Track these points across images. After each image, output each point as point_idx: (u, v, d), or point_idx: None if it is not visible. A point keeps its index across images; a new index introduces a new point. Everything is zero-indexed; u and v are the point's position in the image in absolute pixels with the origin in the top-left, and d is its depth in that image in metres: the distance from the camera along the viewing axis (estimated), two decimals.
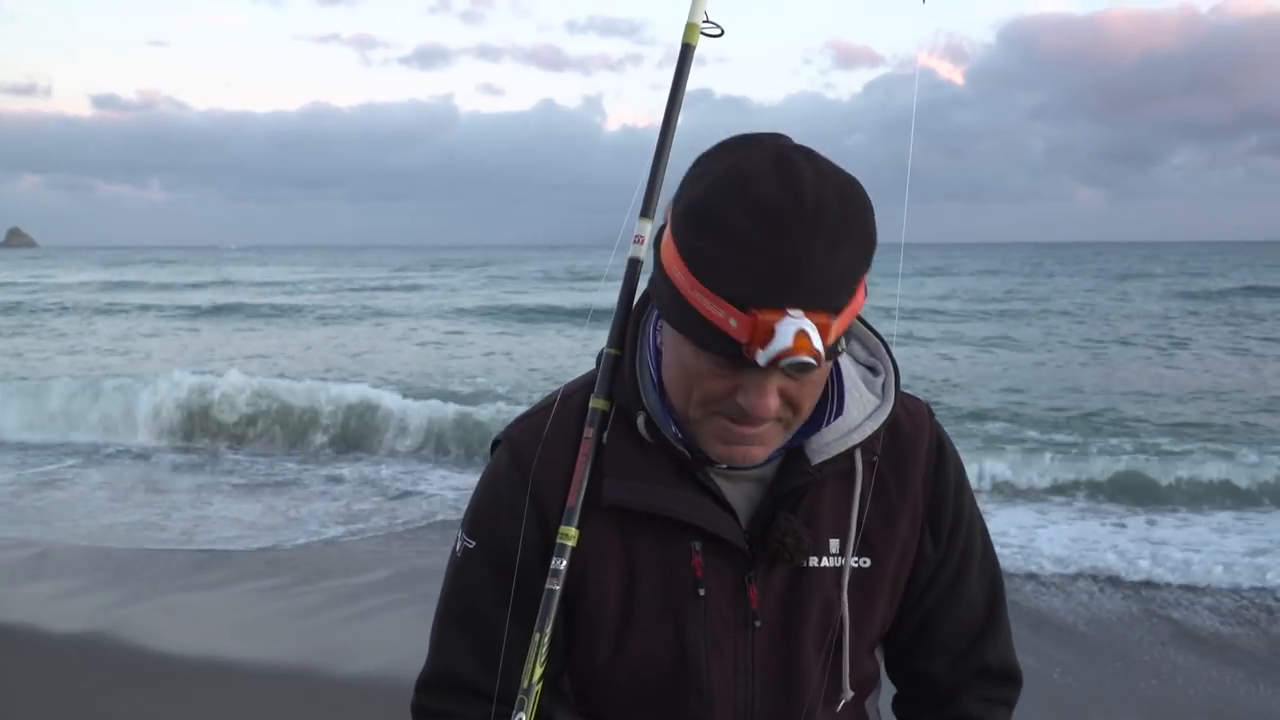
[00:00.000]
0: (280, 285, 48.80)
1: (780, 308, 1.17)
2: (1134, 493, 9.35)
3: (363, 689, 5.18)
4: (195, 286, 46.36)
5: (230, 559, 7.59)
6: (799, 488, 1.40)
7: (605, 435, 1.42)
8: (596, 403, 1.42)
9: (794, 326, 1.17)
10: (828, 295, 1.19)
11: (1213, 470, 9.66)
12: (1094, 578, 6.92)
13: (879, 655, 1.55)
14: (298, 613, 6.47)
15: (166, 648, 5.73)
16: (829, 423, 1.39)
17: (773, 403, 1.27)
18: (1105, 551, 7.42)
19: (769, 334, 1.17)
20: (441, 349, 23.27)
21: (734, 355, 1.22)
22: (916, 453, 1.48)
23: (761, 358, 1.19)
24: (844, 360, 1.44)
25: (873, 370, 1.48)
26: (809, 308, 1.18)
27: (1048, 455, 10.33)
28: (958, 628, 1.52)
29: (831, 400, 1.40)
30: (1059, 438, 11.79)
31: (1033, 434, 12.08)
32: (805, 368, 1.19)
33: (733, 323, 1.20)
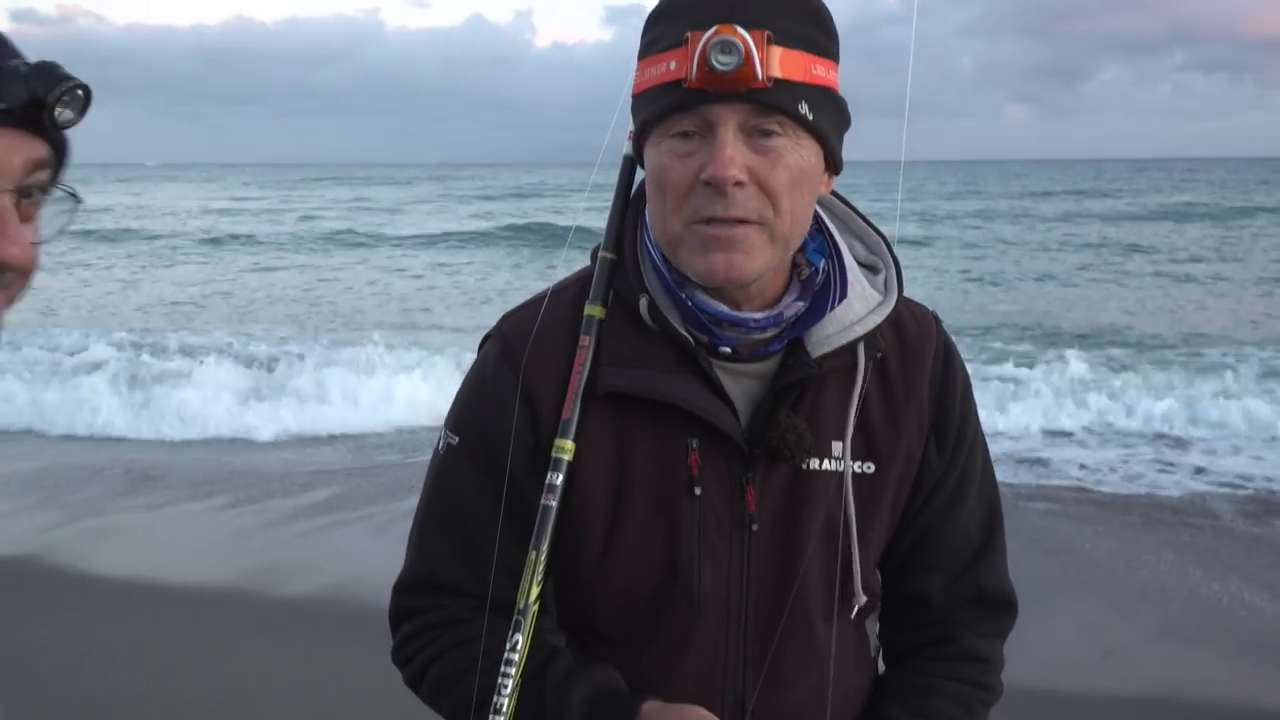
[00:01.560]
0: (223, 213, 42.48)
1: (711, 27, 1.20)
2: None
3: (301, 610, 5.19)
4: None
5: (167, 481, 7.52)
6: (800, 383, 1.34)
7: (604, 326, 1.37)
8: (593, 309, 1.36)
9: (720, 29, 1.20)
10: (760, 21, 1.21)
11: None
12: None
13: (877, 574, 1.50)
14: (237, 533, 6.45)
15: (103, 570, 5.67)
16: (833, 306, 1.34)
17: (732, 161, 1.22)
18: None
19: (700, 46, 1.20)
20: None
21: (680, 95, 1.23)
22: (923, 356, 1.43)
23: (693, 69, 1.21)
24: (845, 253, 1.39)
25: (873, 270, 1.43)
26: (746, 27, 1.20)
27: None
28: (954, 548, 1.47)
29: (835, 284, 1.35)
30: None
31: None
32: (730, 49, 1.18)
33: (672, 65, 1.23)
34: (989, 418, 8.84)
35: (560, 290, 1.43)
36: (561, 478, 1.32)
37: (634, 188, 1.43)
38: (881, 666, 1.57)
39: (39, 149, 1.00)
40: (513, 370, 1.37)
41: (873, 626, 1.52)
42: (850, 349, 1.36)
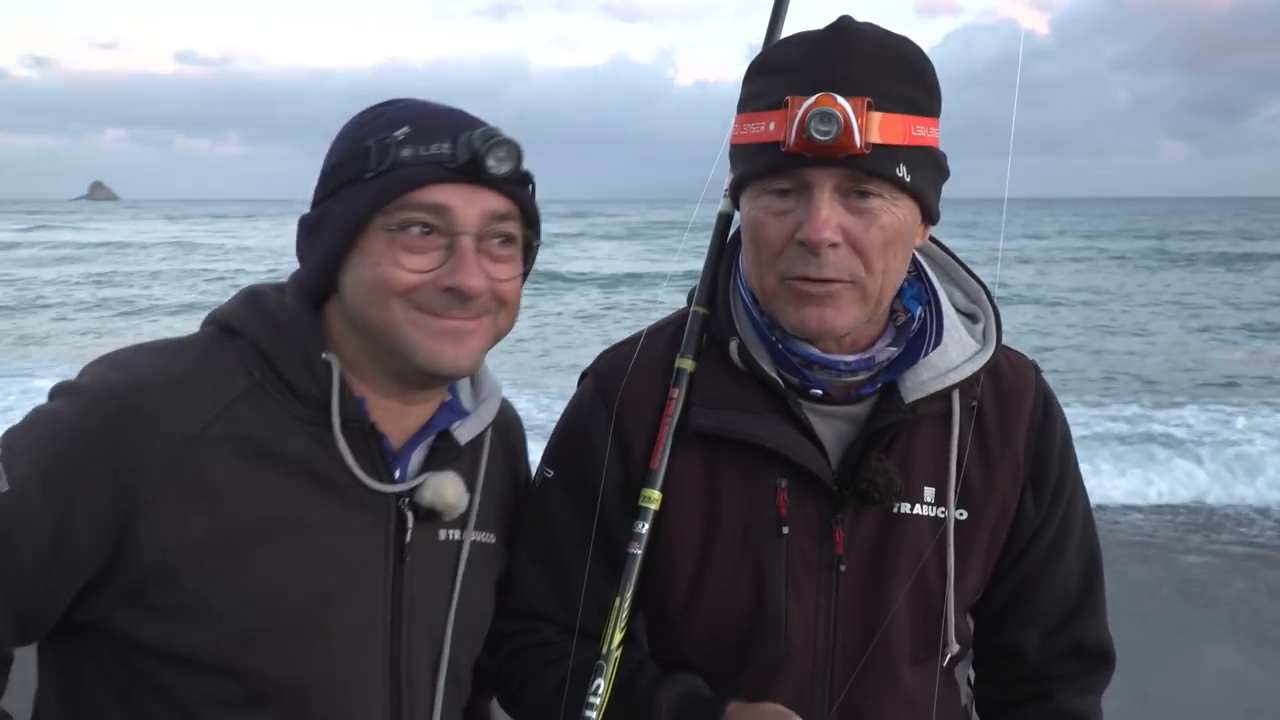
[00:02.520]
0: None
1: (812, 94, 1.21)
2: None
3: None
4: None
5: None
6: (892, 427, 1.34)
7: (696, 368, 1.39)
8: (683, 363, 1.39)
9: (820, 93, 1.21)
10: (863, 89, 1.22)
11: None
12: None
13: (970, 621, 1.48)
14: None
15: None
16: (926, 353, 1.34)
17: (829, 225, 1.23)
18: None
19: (800, 111, 1.20)
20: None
21: (777, 158, 1.24)
22: (1021, 405, 1.42)
23: (791, 134, 1.21)
24: (943, 300, 1.39)
25: (973, 318, 1.43)
26: (846, 94, 1.21)
27: None
28: (1052, 600, 1.45)
29: (930, 331, 1.36)
30: None
31: None
32: (829, 119, 1.18)
33: (771, 126, 1.23)
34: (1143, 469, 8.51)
35: (655, 332, 1.47)
36: (647, 526, 1.35)
37: (729, 234, 1.46)
38: (974, 717, 1.55)
39: (492, 201, 1.25)
40: (607, 409, 1.41)
41: (964, 673, 1.50)
42: (945, 395, 1.37)
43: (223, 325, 1.27)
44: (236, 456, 1.20)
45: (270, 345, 1.24)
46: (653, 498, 1.35)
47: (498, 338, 1.30)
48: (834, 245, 1.25)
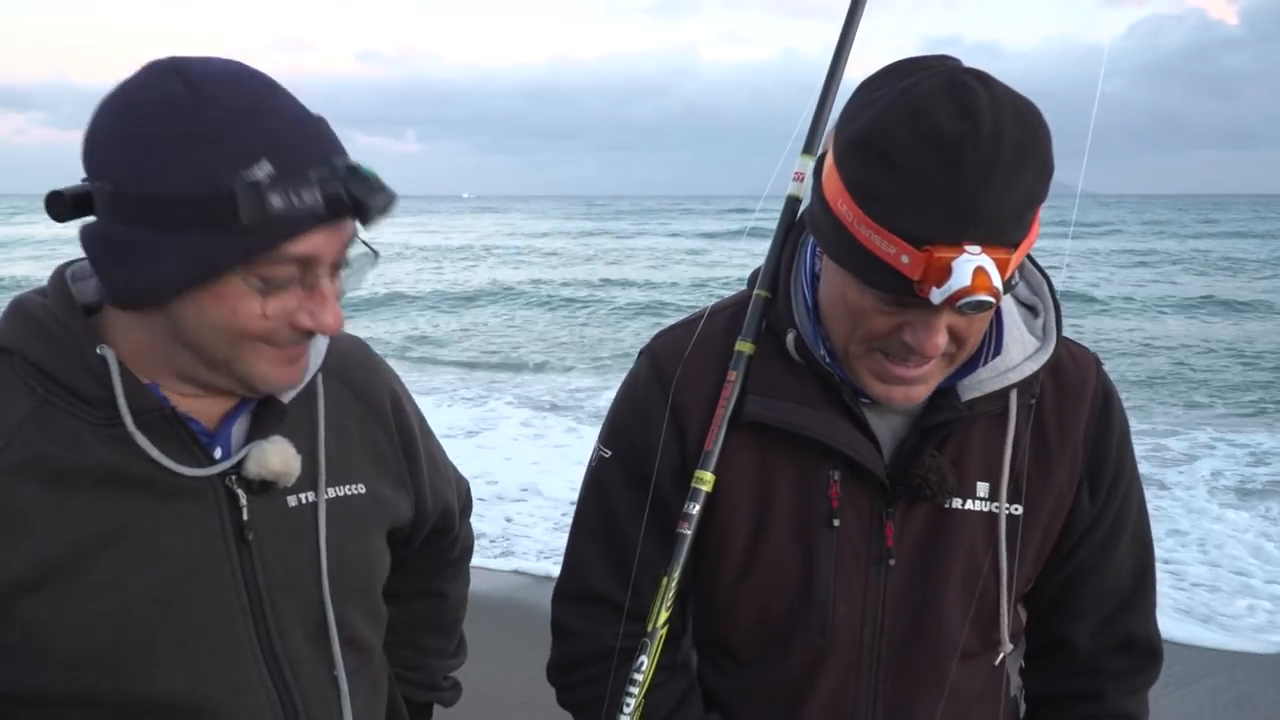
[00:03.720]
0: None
1: (958, 244, 1.12)
2: None
3: None
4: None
5: None
6: (947, 423, 1.34)
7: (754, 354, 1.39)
8: (743, 345, 1.39)
9: (972, 264, 1.11)
10: (1006, 230, 1.14)
11: None
12: None
13: (1022, 612, 1.48)
14: None
15: None
16: (986, 362, 1.33)
17: (942, 341, 1.22)
18: None
19: (945, 271, 1.12)
20: None
21: (904, 293, 1.16)
22: (1081, 399, 1.40)
23: (936, 296, 1.13)
24: (1006, 305, 1.38)
25: (1033, 311, 1.41)
26: (987, 243, 1.12)
27: None
28: (1105, 592, 1.44)
29: (990, 338, 1.34)
30: None
31: None
32: (983, 307, 1.14)
33: (905, 259, 1.14)
34: None
35: (716, 312, 1.47)
36: (699, 508, 1.37)
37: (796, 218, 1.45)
38: (1022, 707, 1.54)
39: (349, 229, 1.17)
40: (663, 389, 1.42)
41: (1014, 664, 1.49)
42: (1002, 395, 1.36)
43: None
44: (36, 483, 1.14)
45: (42, 355, 1.16)
46: (705, 479, 1.36)
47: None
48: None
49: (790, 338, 1.36)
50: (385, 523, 1.41)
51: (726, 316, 1.45)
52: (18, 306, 1.21)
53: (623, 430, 1.47)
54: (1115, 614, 1.45)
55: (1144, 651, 1.47)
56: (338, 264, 1.18)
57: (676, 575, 1.37)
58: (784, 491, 1.38)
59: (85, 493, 1.15)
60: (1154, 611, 1.48)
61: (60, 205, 1.12)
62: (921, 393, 1.29)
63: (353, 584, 1.34)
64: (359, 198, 1.11)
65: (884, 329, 1.23)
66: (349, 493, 1.34)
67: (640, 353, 1.51)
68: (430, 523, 1.54)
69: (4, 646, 1.14)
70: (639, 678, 1.38)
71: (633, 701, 1.38)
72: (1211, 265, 29.67)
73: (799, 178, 1.46)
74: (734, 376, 1.38)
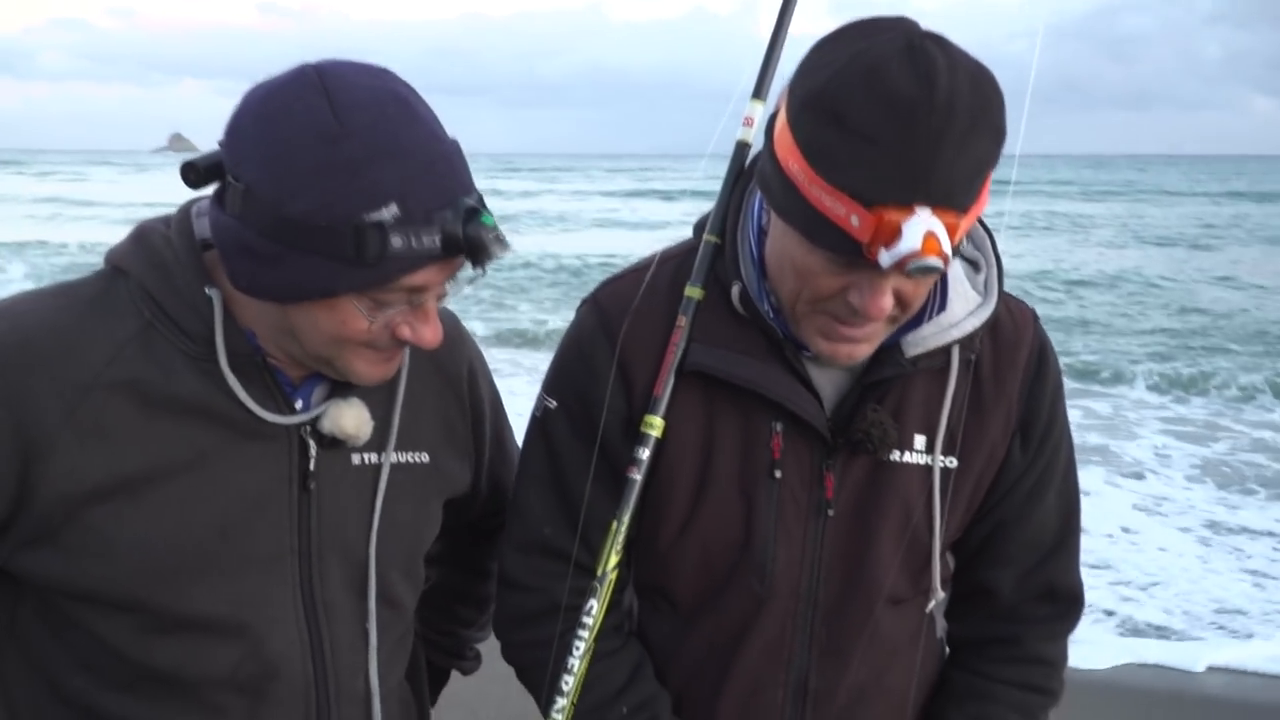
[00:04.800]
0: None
1: (908, 205, 1.12)
2: None
3: None
4: None
5: None
6: (888, 379, 1.36)
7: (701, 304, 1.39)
8: (692, 291, 1.38)
9: (922, 227, 1.11)
10: (957, 194, 1.14)
11: None
12: None
13: (949, 560, 1.52)
14: None
15: None
16: (930, 318, 1.35)
17: (887, 304, 1.22)
18: None
19: (895, 234, 1.12)
20: None
21: (853, 254, 1.16)
22: (1017, 354, 1.43)
23: (885, 259, 1.13)
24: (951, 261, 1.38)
25: (974, 265, 1.42)
26: (938, 206, 1.12)
27: None
28: (1029, 542, 1.48)
29: (935, 294, 1.36)
30: None
31: None
32: (931, 271, 1.15)
33: (855, 220, 1.14)
34: None
35: (664, 260, 1.46)
36: (648, 453, 1.37)
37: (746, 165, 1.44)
38: (946, 650, 1.58)
39: (460, 263, 1.22)
40: (609, 341, 1.41)
41: (940, 610, 1.53)
42: (945, 350, 1.37)
43: (114, 265, 1.28)
44: (130, 401, 1.21)
45: (155, 284, 1.24)
46: (655, 424, 1.37)
47: None
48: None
49: (735, 290, 1.36)
50: (444, 492, 1.48)
51: (674, 265, 1.44)
52: (141, 233, 1.28)
53: (568, 381, 1.46)
54: (1038, 564, 1.49)
55: (1065, 599, 1.52)
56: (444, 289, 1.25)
57: (626, 520, 1.38)
58: (727, 442, 1.39)
59: (172, 419, 1.23)
60: (1077, 561, 1.52)
61: (194, 175, 1.19)
62: (865, 351, 1.31)
63: (398, 547, 1.41)
64: (475, 242, 1.16)
65: (830, 290, 1.24)
66: (413, 460, 1.42)
67: (585, 302, 1.49)
68: (484, 497, 1.59)
69: (69, 546, 1.21)
70: (589, 621, 1.39)
71: (582, 645, 1.39)
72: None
73: (749, 123, 1.45)
74: (683, 322, 1.38)
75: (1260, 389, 10.72)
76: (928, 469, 1.40)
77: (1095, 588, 5.28)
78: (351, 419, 1.30)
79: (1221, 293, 18.26)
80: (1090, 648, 4.65)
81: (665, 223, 28.23)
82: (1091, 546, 5.97)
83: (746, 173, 1.43)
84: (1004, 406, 1.42)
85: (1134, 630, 5.12)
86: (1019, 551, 1.49)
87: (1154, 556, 6.08)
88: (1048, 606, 1.51)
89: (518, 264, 19.90)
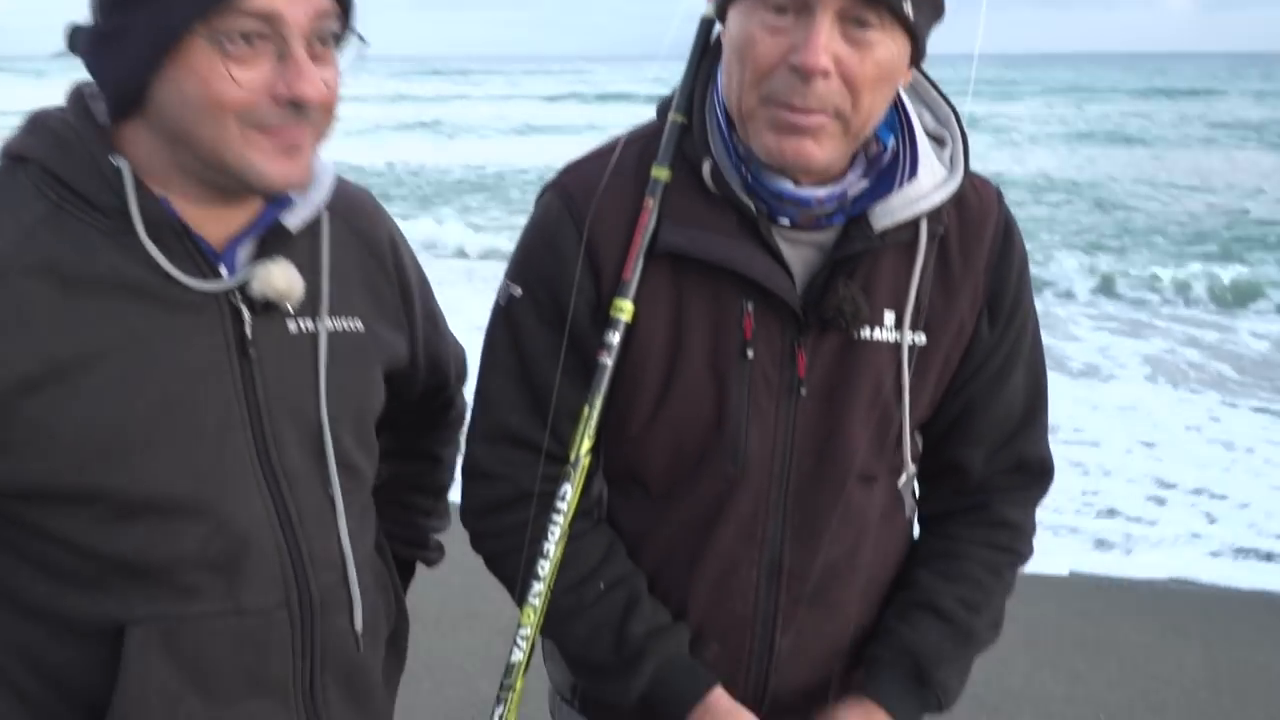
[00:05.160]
0: None
1: None
2: None
3: None
4: None
5: None
6: (859, 254, 1.36)
7: (669, 185, 1.38)
8: (659, 172, 1.37)
9: None
10: None
11: None
12: None
13: (918, 439, 1.53)
14: None
15: None
16: (902, 184, 1.35)
17: (826, 58, 1.22)
18: None
19: None
20: None
21: None
22: (983, 231, 1.44)
23: None
24: (918, 130, 1.39)
25: (940, 142, 1.43)
26: None
27: None
28: (998, 419, 1.50)
29: (905, 157, 1.36)
30: None
31: None
32: (864, 22, 1.18)
33: None
34: None
35: (630, 143, 1.44)
36: (619, 337, 1.36)
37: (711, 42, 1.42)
38: (916, 529, 1.61)
39: (321, 1, 1.17)
40: (576, 226, 1.39)
41: (908, 489, 1.55)
42: (913, 224, 1.38)
43: (11, 155, 1.24)
44: (48, 284, 1.17)
45: (59, 163, 1.20)
46: (625, 308, 1.36)
47: (321, 141, 1.27)
48: (826, 75, 1.23)
49: (706, 167, 1.35)
50: (382, 362, 1.44)
51: (639, 147, 1.43)
52: (36, 119, 1.26)
53: (534, 268, 1.44)
54: (1008, 440, 1.51)
55: (1034, 470, 1.55)
56: (319, 39, 1.19)
57: (598, 405, 1.37)
58: (698, 324, 1.38)
59: (94, 297, 1.19)
60: (1045, 433, 1.55)
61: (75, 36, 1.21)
62: (814, 151, 1.28)
63: (348, 411, 1.38)
64: None
65: (771, 55, 1.25)
66: (348, 328, 1.38)
67: (548, 187, 1.47)
68: (423, 375, 1.56)
69: (8, 444, 1.18)
70: (563, 507, 1.39)
71: (557, 531, 1.39)
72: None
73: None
74: (651, 204, 1.37)
75: (1184, 285, 10.98)
76: (897, 346, 1.41)
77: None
78: (281, 276, 1.27)
79: (1143, 190, 18.62)
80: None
81: (592, 126, 28.03)
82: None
83: (712, 50, 1.42)
84: (971, 283, 1.44)
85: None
86: (988, 429, 1.51)
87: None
88: (1016, 477, 1.54)
89: (440, 173, 19.67)
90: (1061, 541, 5.20)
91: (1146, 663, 4.20)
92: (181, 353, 1.24)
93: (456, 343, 1.68)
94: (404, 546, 1.69)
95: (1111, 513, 5.68)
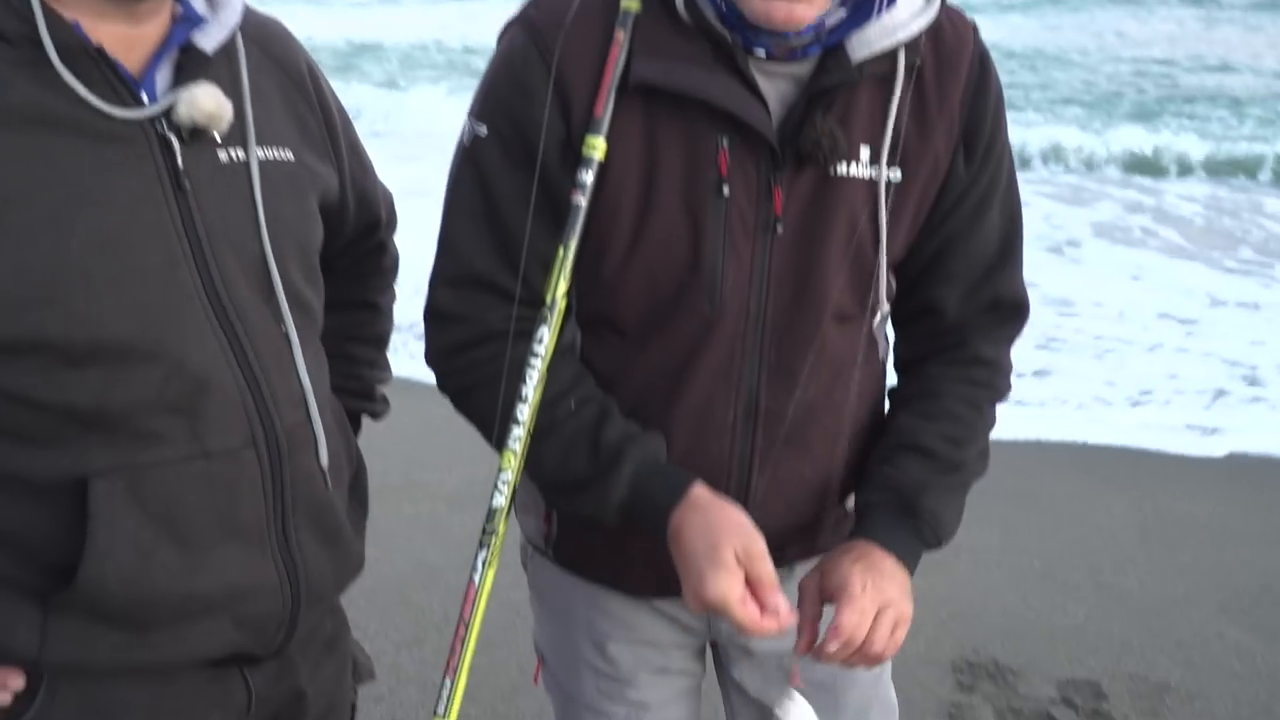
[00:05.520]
0: None
1: None
2: None
3: None
4: None
5: None
6: (836, 87, 1.33)
7: (639, 17, 1.33)
8: (629, 2, 1.32)
9: None
10: None
11: None
12: None
13: (892, 281, 1.51)
14: None
15: None
16: (880, 12, 1.31)
17: None
18: None
19: None
20: None
21: None
22: (959, 65, 1.41)
23: None
24: None
25: None
26: None
27: None
28: (973, 257, 1.49)
29: None
30: None
31: None
32: None
33: None
34: None
35: None
36: (592, 175, 1.32)
37: None
38: (891, 372, 1.61)
39: None
40: (544, 60, 1.34)
41: (882, 330, 1.55)
42: (891, 55, 1.35)
43: None
44: None
45: None
46: (597, 145, 1.32)
47: None
48: None
49: None
50: (315, 191, 1.39)
51: None
52: None
53: (501, 107, 1.38)
54: (983, 278, 1.50)
55: (1009, 308, 1.54)
56: None
57: (573, 245, 1.33)
58: (672, 161, 1.35)
59: (13, 133, 1.14)
60: (1020, 270, 1.54)
61: None
62: (803, 11, 1.25)
63: (290, 242, 1.33)
64: None
65: None
66: (279, 157, 1.33)
67: (512, 21, 1.40)
68: (353, 212, 1.51)
69: None
70: (540, 349, 1.35)
71: (535, 374, 1.35)
72: None
73: None
74: (621, 36, 1.31)
75: (1116, 156, 11.07)
76: (873, 183, 1.38)
77: None
78: (209, 98, 1.21)
79: (1074, 55, 18.63)
80: None
81: None
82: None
83: None
84: (947, 117, 1.41)
85: None
86: (964, 268, 1.49)
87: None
88: (992, 315, 1.53)
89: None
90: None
91: (1076, 513, 4.35)
92: (113, 187, 1.18)
93: (384, 185, 1.63)
94: (350, 399, 1.66)
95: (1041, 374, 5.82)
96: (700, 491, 1.36)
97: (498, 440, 1.39)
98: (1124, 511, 4.34)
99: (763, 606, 1.27)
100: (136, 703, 1.30)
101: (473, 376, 1.43)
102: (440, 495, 4.30)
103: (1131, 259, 7.90)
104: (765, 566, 1.28)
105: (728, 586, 1.26)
